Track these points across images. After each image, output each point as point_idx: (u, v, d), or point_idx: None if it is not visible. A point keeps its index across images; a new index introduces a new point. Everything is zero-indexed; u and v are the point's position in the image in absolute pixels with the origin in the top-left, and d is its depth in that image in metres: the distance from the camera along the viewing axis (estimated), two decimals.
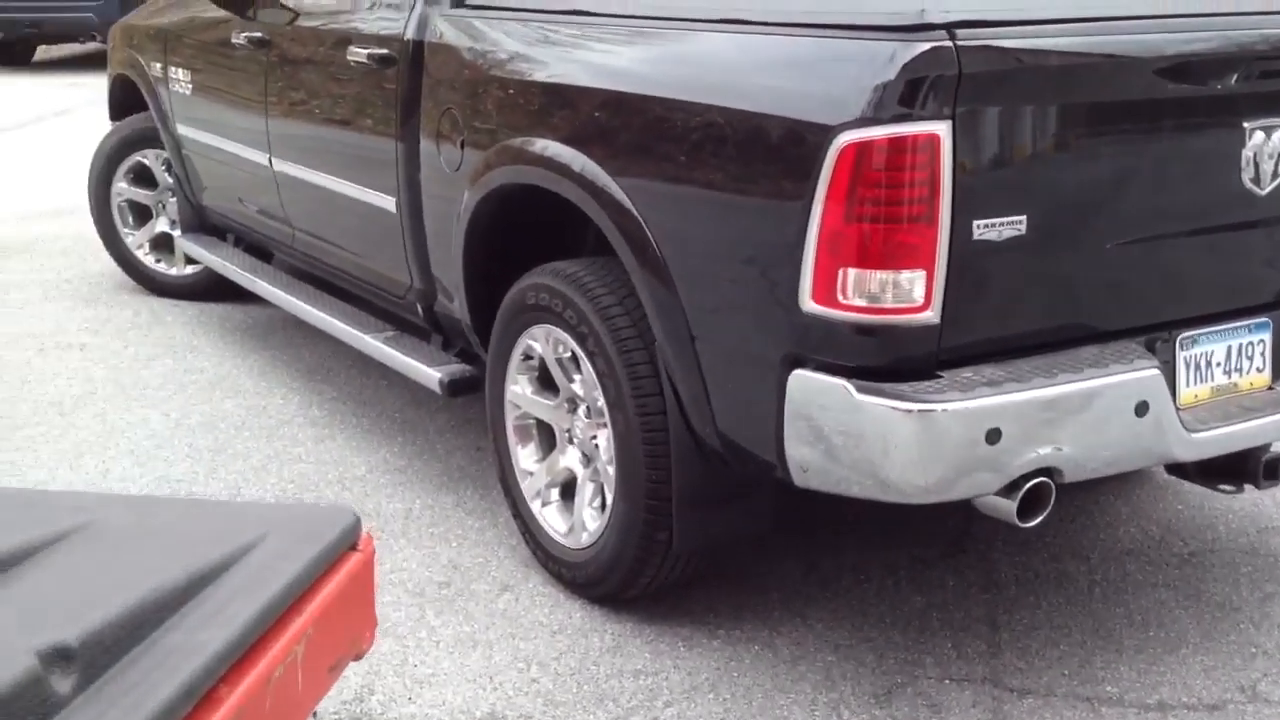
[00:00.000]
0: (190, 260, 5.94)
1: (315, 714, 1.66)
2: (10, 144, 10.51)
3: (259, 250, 5.41)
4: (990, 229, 2.57)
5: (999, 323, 2.68)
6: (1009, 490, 2.60)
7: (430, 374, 3.87)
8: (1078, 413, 2.60)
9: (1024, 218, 2.60)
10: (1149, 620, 3.24)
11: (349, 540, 1.69)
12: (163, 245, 6.13)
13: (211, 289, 5.94)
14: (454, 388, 3.82)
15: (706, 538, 3.14)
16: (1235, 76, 2.80)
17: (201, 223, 5.76)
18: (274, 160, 4.75)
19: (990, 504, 2.64)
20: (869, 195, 2.52)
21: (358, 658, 1.77)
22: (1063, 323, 2.76)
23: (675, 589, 3.28)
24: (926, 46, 2.49)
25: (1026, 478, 2.58)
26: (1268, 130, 2.85)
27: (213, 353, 5.34)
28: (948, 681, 2.99)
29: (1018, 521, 2.61)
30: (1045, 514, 2.64)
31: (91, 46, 15.76)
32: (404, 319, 4.29)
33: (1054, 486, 2.62)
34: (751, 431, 2.83)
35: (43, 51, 16.72)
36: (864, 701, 2.91)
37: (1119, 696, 2.92)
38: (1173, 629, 3.20)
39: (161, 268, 6.14)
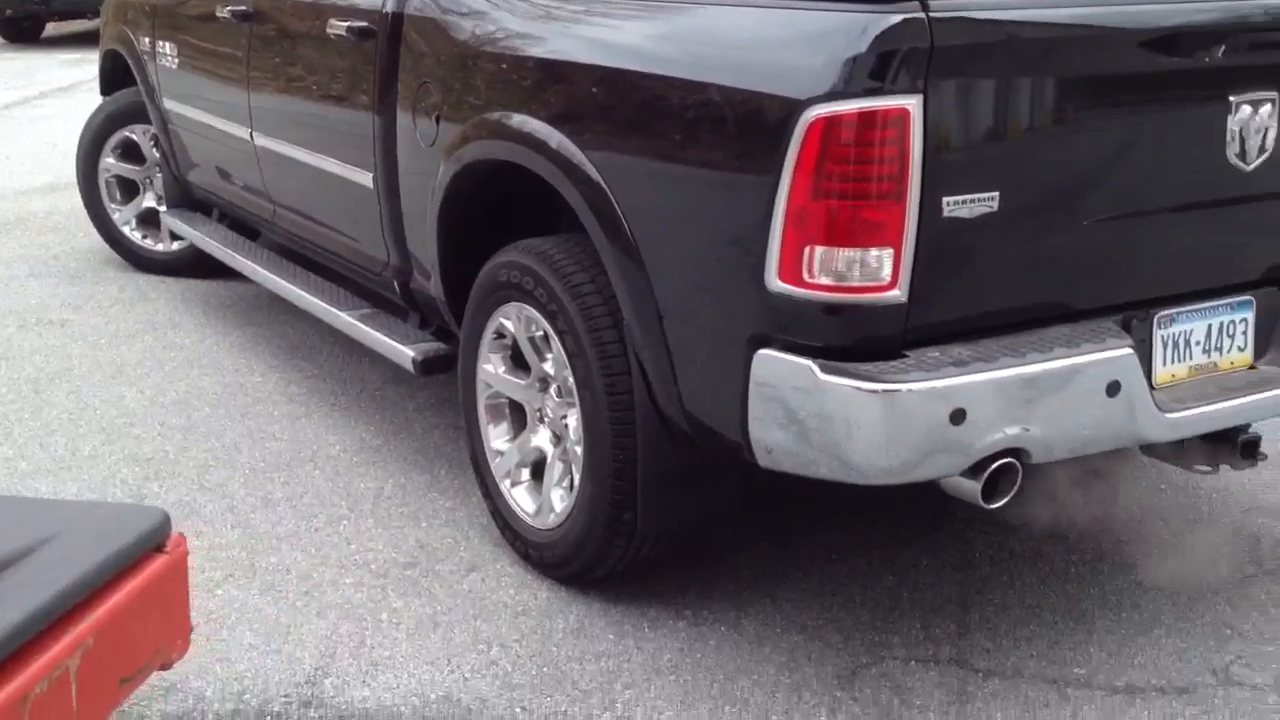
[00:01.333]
0: (176, 236, 5.89)
1: None
2: (13, 120, 10.47)
3: (244, 227, 5.37)
4: (961, 205, 2.51)
5: (969, 301, 2.62)
6: (975, 471, 2.55)
7: (404, 352, 3.82)
8: (1046, 393, 2.54)
9: (996, 194, 2.53)
10: (1123, 601, 3.19)
11: (151, 542, 1.59)
12: (149, 221, 6.08)
13: (197, 265, 5.89)
14: (427, 366, 3.77)
15: (673, 519, 3.10)
16: (1222, 49, 2.72)
17: (187, 199, 5.71)
18: (255, 135, 4.70)
19: (955, 485, 2.59)
20: (837, 171, 2.46)
21: (165, 667, 1.67)
22: (1036, 301, 2.70)
23: (644, 570, 3.24)
24: (899, 18, 2.43)
25: (992, 459, 2.53)
26: (1254, 104, 2.79)
27: (194, 329, 5.30)
28: (914, 663, 2.94)
29: (982, 503, 2.56)
30: (1012, 496, 2.59)
31: (99, 22, 15.71)
32: (383, 297, 4.24)
33: (1020, 468, 2.57)
34: (717, 412, 2.78)
35: (52, 28, 16.67)
36: (827, 684, 2.87)
37: (1087, 678, 2.87)
38: (1147, 610, 3.15)
39: (148, 244, 6.10)
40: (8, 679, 1.37)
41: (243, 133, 4.78)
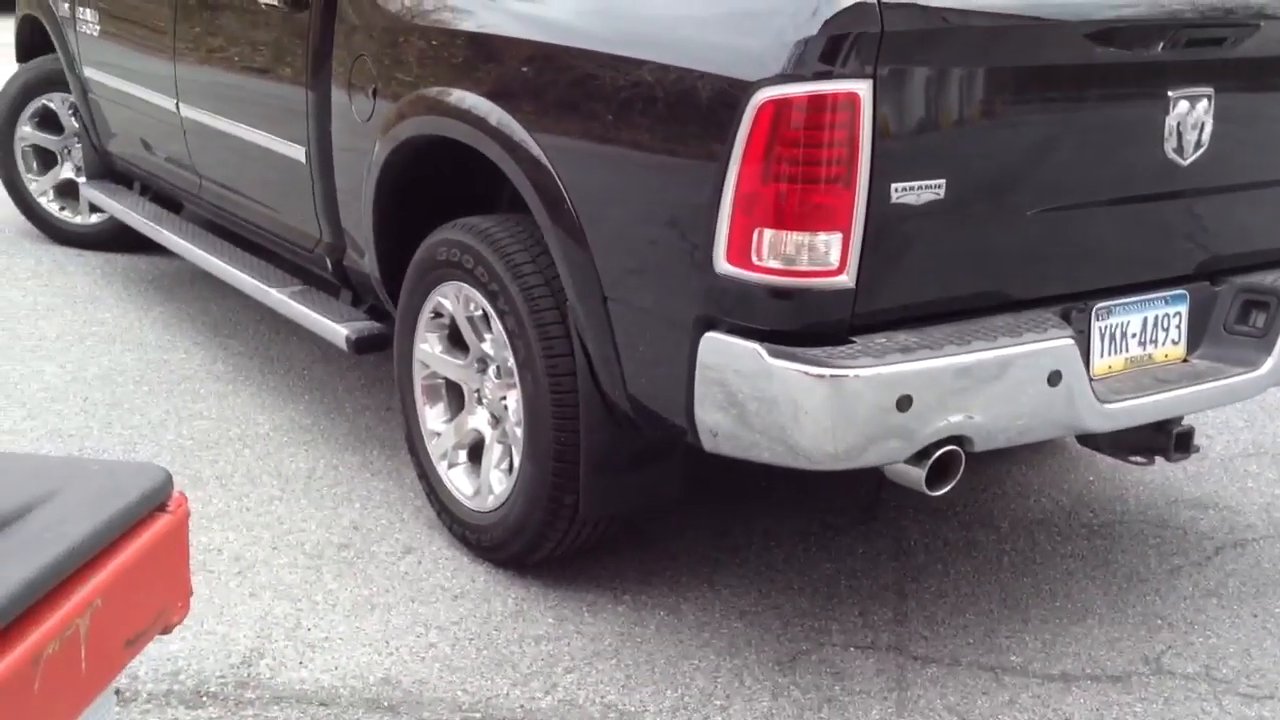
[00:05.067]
0: (96, 209, 5.75)
1: (119, 691, 1.53)
2: None
3: (167, 200, 5.25)
4: (908, 192, 2.51)
5: (915, 288, 2.62)
6: (919, 458, 2.56)
7: (337, 330, 3.75)
8: (990, 381, 2.56)
9: (943, 182, 2.54)
10: (1056, 591, 3.23)
11: (155, 501, 1.54)
12: (68, 192, 5.93)
13: (118, 239, 5.77)
14: (361, 345, 3.71)
15: (614, 503, 3.08)
16: (1162, 44, 2.76)
17: (108, 170, 5.58)
18: (181, 106, 4.59)
19: (900, 472, 2.60)
20: (787, 154, 2.45)
21: (166, 631, 1.63)
22: (979, 290, 2.72)
23: (582, 554, 3.22)
24: (849, 2, 2.42)
25: (937, 445, 2.55)
26: (1192, 100, 2.83)
27: (115, 304, 5.17)
28: (853, 649, 2.96)
29: (926, 490, 2.57)
30: (954, 483, 2.61)
31: None
32: (314, 274, 4.17)
33: (964, 455, 2.59)
34: (662, 395, 2.76)
35: None
36: (768, 669, 2.87)
37: (1023, 666, 2.91)
38: (1079, 600, 3.19)
39: (66, 215, 5.94)
40: (20, 637, 1.31)
41: (168, 104, 4.67)
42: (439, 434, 3.43)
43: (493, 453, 3.25)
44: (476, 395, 3.33)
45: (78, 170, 5.83)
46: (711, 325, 2.59)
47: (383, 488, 3.68)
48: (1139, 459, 3.00)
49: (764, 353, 2.50)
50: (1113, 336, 2.87)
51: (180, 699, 2.71)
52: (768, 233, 2.48)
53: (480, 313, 3.20)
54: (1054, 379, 2.62)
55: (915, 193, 2.52)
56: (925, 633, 3.03)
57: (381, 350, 3.72)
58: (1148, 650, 2.98)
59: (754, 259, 2.49)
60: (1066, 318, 2.76)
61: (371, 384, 4.40)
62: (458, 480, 3.37)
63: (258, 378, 4.46)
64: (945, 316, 2.65)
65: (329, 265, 3.92)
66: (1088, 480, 3.83)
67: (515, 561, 3.22)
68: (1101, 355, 2.85)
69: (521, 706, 2.72)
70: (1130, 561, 3.38)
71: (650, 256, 2.75)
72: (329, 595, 3.12)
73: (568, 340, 2.95)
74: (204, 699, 2.72)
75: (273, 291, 4.09)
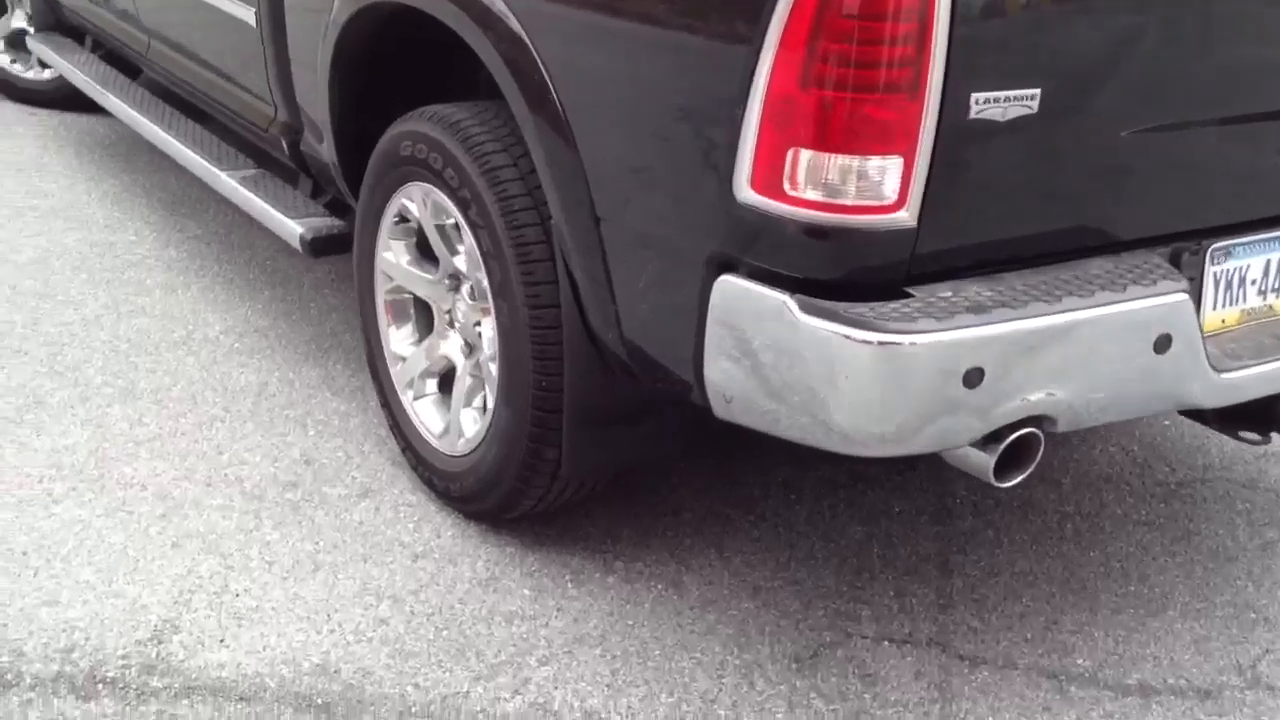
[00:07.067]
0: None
1: None
2: None
3: (123, 61, 4.65)
4: (993, 105, 1.93)
5: (991, 226, 2.06)
6: (987, 441, 2.03)
7: (291, 227, 3.20)
8: (1083, 349, 2.01)
9: (1038, 91, 1.96)
10: (1129, 571, 2.74)
11: None
12: (19, 45, 5.32)
13: (74, 98, 5.15)
14: (318, 246, 3.17)
15: (603, 460, 2.57)
16: None
17: (58, 22, 4.98)
18: None
19: (963, 457, 2.07)
20: (835, 51, 1.87)
21: None
22: (1070, 226, 2.15)
23: (568, 508, 2.72)
24: None
25: (1011, 428, 2.02)
26: None
27: (63, 174, 4.61)
28: (886, 643, 2.48)
29: (994, 481, 2.05)
30: (1029, 472, 2.08)
31: None
32: (272, 156, 3.60)
33: (1043, 438, 2.06)
34: (665, 344, 2.23)
35: None
36: (783, 668, 2.39)
37: (1092, 673, 2.43)
38: (1157, 584, 2.70)
39: (17, 69, 5.37)
40: None
41: None
42: (405, 358, 2.91)
43: (463, 386, 2.74)
44: (448, 317, 2.80)
45: (29, 19, 5.21)
46: (729, 266, 2.04)
47: (343, 410, 3.18)
48: (1254, 436, 2.46)
49: (794, 307, 1.95)
50: (1229, 284, 2.30)
51: (71, 686, 2.25)
52: (805, 154, 1.91)
53: (452, 221, 2.65)
54: (1162, 345, 2.07)
55: (1002, 106, 1.94)
56: (974, 623, 2.55)
57: (343, 253, 3.18)
58: (1241, 655, 2.49)
59: (786, 187, 1.93)
60: (1176, 262, 2.20)
61: (342, 279, 3.86)
62: (425, 414, 2.86)
63: (213, 268, 3.93)
64: (1028, 261, 2.09)
65: (285, 148, 3.35)
66: (1163, 426, 3.30)
67: (488, 516, 2.74)
68: (1215, 306, 2.29)
69: (483, 711, 2.25)
70: (1216, 533, 2.88)
71: (654, 170, 2.19)
72: (266, 549, 2.64)
73: (552, 265, 2.41)
74: (99, 686, 2.26)
75: (223, 175, 3.53)
